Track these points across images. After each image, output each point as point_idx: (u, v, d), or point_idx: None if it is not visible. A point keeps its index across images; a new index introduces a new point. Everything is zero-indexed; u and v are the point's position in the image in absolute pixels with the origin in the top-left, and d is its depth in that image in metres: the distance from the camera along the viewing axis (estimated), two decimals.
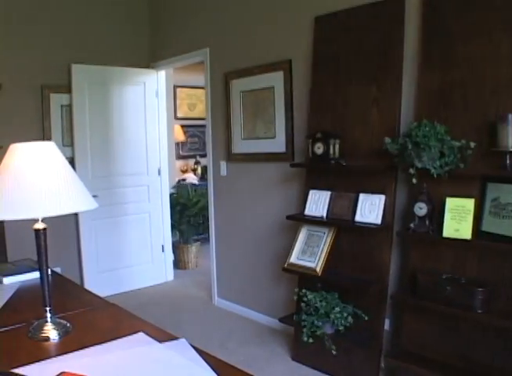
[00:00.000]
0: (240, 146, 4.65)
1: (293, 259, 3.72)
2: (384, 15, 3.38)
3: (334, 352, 3.38)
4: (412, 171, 2.98)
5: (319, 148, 3.55)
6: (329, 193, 3.61)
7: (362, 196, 3.41)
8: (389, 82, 3.35)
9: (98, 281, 5.26)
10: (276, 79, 4.22)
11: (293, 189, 4.14)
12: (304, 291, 3.53)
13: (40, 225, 1.73)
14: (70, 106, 5.30)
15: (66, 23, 5.27)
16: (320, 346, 3.46)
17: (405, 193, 3.32)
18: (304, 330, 3.45)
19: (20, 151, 1.68)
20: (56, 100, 5.27)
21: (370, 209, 3.34)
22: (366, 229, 3.35)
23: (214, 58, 4.92)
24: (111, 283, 5.41)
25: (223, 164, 4.88)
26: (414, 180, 3.00)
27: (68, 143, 5.22)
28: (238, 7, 4.59)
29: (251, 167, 4.57)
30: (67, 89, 5.28)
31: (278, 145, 4.25)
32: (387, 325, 3.41)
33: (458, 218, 2.91)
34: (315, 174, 3.80)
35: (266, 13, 4.30)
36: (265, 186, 4.43)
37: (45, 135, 5.13)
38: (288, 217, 3.84)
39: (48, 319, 1.75)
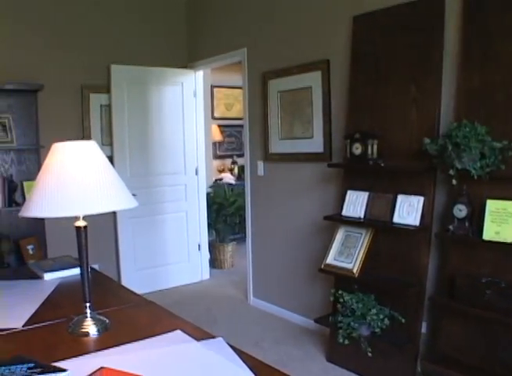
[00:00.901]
0: (278, 146, 4.65)
1: (329, 260, 3.70)
2: (423, 14, 3.33)
3: (370, 355, 3.35)
4: (452, 172, 2.93)
5: (357, 148, 3.52)
6: (367, 193, 3.58)
7: (400, 197, 3.37)
8: (429, 82, 3.30)
9: (135, 279, 5.32)
10: (314, 79, 4.20)
11: (330, 190, 4.12)
12: (340, 292, 3.51)
13: (81, 223, 1.76)
14: (109, 105, 5.39)
15: (105, 24, 5.36)
16: (356, 348, 3.43)
17: (445, 195, 3.27)
18: (340, 331, 3.43)
19: (63, 150, 1.72)
20: (96, 100, 5.35)
21: (408, 210, 3.30)
22: (404, 230, 3.31)
23: (251, 58, 4.93)
24: (148, 281, 5.47)
25: (260, 164, 4.89)
26: (454, 181, 2.96)
27: (107, 143, 5.30)
28: (276, 7, 4.58)
29: (289, 167, 4.56)
30: (106, 89, 5.37)
31: (315, 145, 4.23)
32: (424, 328, 3.36)
33: (499, 221, 2.85)
34: (353, 174, 3.77)
35: (304, 13, 4.28)
36: (302, 187, 4.42)
37: (84, 135, 5.22)
38: (325, 217, 3.82)
39: (88, 315, 1.78)
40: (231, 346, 1.57)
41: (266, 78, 4.70)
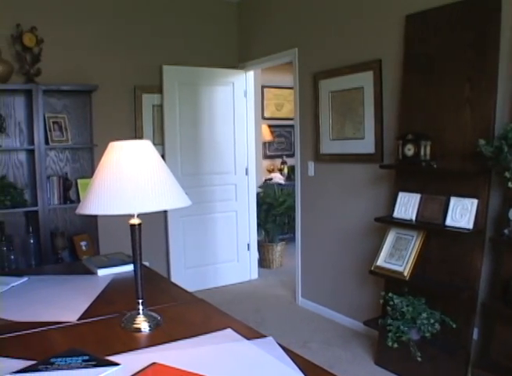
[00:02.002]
0: (328, 146, 4.63)
1: (380, 262, 3.66)
2: (478, 12, 3.25)
3: (419, 359, 3.29)
4: (507, 174, 2.85)
5: (410, 149, 3.47)
6: (418, 195, 3.53)
7: (453, 199, 3.30)
8: (483, 82, 3.22)
9: (184, 277, 5.39)
10: (366, 79, 4.17)
11: (381, 191, 4.08)
12: (390, 294, 3.46)
13: (135, 221, 1.79)
14: (161, 105, 5.47)
15: (158, 25, 5.45)
16: (405, 352, 3.38)
17: (500, 197, 3.18)
18: (389, 334, 3.39)
19: (119, 149, 1.75)
20: (148, 100, 5.44)
21: (462, 213, 3.23)
22: (457, 233, 3.24)
23: (302, 58, 4.92)
24: (197, 279, 5.53)
25: (311, 165, 4.87)
26: (510, 184, 2.88)
27: (158, 142, 5.38)
28: (327, 6, 4.56)
29: (339, 167, 4.54)
30: (158, 90, 5.45)
31: (367, 146, 4.19)
32: (475, 334, 3.29)
33: None
34: (405, 176, 3.72)
35: (355, 12, 4.25)
36: (353, 187, 4.39)
37: (137, 134, 5.32)
38: (376, 219, 3.79)
39: (141, 312, 1.81)
40: (281, 346, 1.57)
41: (317, 78, 4.69)
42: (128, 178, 1.68)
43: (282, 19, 5.19)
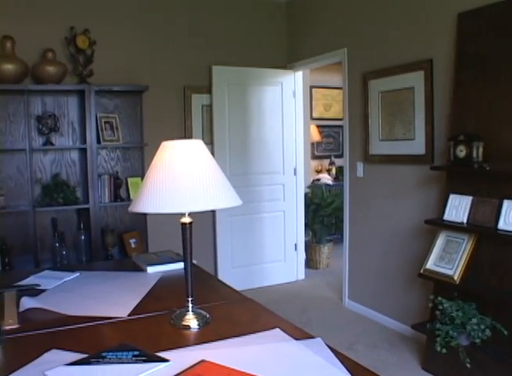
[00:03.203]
0: (378, 147, 4.58)
1: (429, 265, 3.60)
2: None
3: (468, 366, 3.21)
4: None
5: (462, 151, 3.40)
6: (470, 198, 3.45)
7: (506, 202, 3.22)
8: None
9: (231, 276, 5.42)
10: (416, 79, 4.10)
11: (431, 193, 4.01)
12: (439, 298, 3.40)
13: (186, 220, 1.81)
14: (210, 105, 5.52)
15: (207, 25, 5.50)
16: (453, 358, 3.31)
17: None
18: (438, 339, 3.32)
19: (171, 148, 1.77)
20: (197, 100, 5.50)
21: None
22: (510, 237, 3.15)
23: (351, 58, 4.89)
24: (244, 278, 5.56)
25: (360, 165, 4.83)
26: None
27: (208, 142, 5.42)
28: (376, 6, 4.51)
29: (388, 168, 4.48)
30: (208, 90, 5.50)
31: (417, 147, 4.13)
32: None
33: None
34: (456, 178, 3.64)
35: (406, 11, 4.18)
36: (402, 189, 4.33)
37: (186, 134, 5.38)
38: (426, 221, 3.73)
39: (190, 309, 1.83)
40: (329, 347, 1.56)
41: (367, 79, 4.65)
42: (180, 178, 1.70)
43: (331, 19, 5.16)
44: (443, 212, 3.61)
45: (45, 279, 2.49)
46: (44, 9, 4.78)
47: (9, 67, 4.42)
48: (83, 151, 4.81)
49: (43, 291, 2.29)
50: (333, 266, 6.57)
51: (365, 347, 4.11)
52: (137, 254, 3.14)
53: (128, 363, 1.45)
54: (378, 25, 4.50)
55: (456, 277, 3.37)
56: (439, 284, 3.58)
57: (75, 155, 4.94)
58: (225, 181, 1.80)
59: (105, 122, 4.85)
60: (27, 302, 2.04)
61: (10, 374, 1.42)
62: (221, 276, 5.41)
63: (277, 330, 1.71)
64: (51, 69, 4.57)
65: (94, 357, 1.49)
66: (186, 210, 1.75)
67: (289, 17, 5.93)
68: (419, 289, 4.12)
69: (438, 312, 3.38)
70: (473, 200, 3.44)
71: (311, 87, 8.26)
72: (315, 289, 5.79)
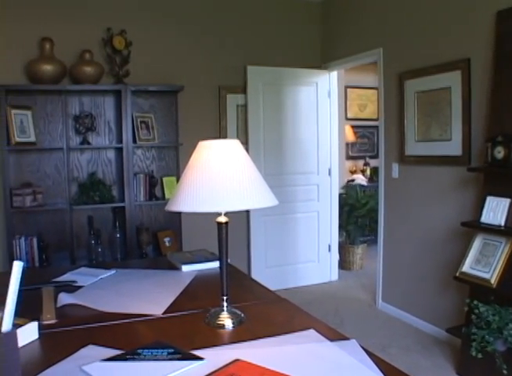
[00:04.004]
0: (413, 147, 4.53)
1: (465, 268, 3.55)
2: None
3: (505, 372, 3.13)
4: None
5: (500, 152, 3.34)
6: (508, 200, 3.39)
7: None
8: None
9: (264, 276, 5.41)
10: (453, 79, 4.04)
11: (468, 195, 3.95)
12: (475, 302, 3.34)
13: (223, 219, 1.82)
14: (245, 105, 5.54)
15: (242, 26, 5.53)
16: (489, 363, 3.24)
17: None
18: (473, 344, 3.26)
19: (208, 148, 1.78)
20: (232, 100, 5.52)
21: None
22: None
23: (387, 58, 4.84)
24: (277, 278, 5.55)
25: (395, 166, 4.79)
26: None
27: (242, 141, 5.34)
28: (412, 5, 4.46)
29: (424, 170, 4.43)
30: (243, 90, 5.52)
31: (453, 148, 4.07)
32: None
33: None
34: (494, 179, 3.58)
35: (443, 10, 4.12)
36: (438, 190, 4.27)
37: (221, 134, 5.41)
38: (463, 224, 3.67)
39: (225, 308, 1.83)
40: (364, 349, 1.55)
41: (403, 79, 4.60)
42: (217, 177, 1.70)
43: (366, 18, 5.13)
44: (480, 215, 3.55)
45: (82, 275, 2.53)
46: (81, 10, 4.86)
47: (47, 68, 4.51)
48: (119, 150, 4.88)
49: (79, 287, 2.33)
50: (366, 268, 6.52)
51: (399, 350, 4.07)
52: (172, 253, 3.17)
53: (162, 360, 1.46)
54: (415, 24, 4.45)
55: (492, 281, 3.31)
56: (475, 288, 3.53)
57: (111, 154, 5.01)
58: (261, 181, 1.80)
59: (141, 122, 4.90)
60: (64, 298, 2.07)
61: (48, 367, 1.45)
62: (255, 276, 5.41)
63: (312, 330, 1.70)
64: (88, 69, 4.65)
65: (129, 354, 1.51)
66: (223, 209, 1.76)
67: (324, 17, 5.90)
68: (454, 292, 4.06)
69: (473, 317, 3.32)
70: (511, 203, 3.37)
71: (346, 87, 8.22)
72: (348, 290, 5.76)
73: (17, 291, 1.44)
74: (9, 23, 4.65)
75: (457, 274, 3.60)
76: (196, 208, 1.69)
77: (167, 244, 4.99)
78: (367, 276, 6.11)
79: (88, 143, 4.81)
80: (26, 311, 1.65)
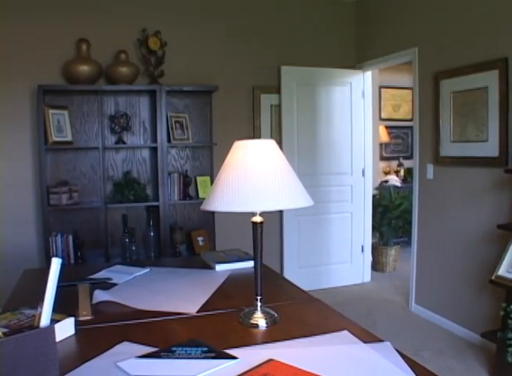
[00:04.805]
0: (449, 148, 4.47)
1: (501, 272, 3.49)
2: None
3: None
4: None
5: None
6: None
7: None
8: None
9: (297, 276, 5.38)
10: (490, 79, 3.97)
11: (504, 197, 3.88)
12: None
13: (258, 219, 1.83)
14: (278, 105, 5.54)
15: (275, 26, 5.52)
16: None
17: None
18: (509, 349, 3.20)
19: (244, 148, 1.79)
20: (266, 100, 5.53)
21: None
22: None
23: (422, 57, 4.79)
24: (309, 279, 5.53)
25: (430, 167, 4.73)
26: None
27: (276, 141, 5.43)
28: (448, 3, 4.40)
29: (460, 171, 4.36)
30: (276, 90, 5.52)
31: (490, 149, 4.00)
32: None
33: None
34: None
35: (479, 9, 4.05)
36: (474, 192, 4.20)
37: (255, 134, 5.42)
38: (499, 226, 3.61)
39: (259, 308, 1.84)
40: (398, 352, 1.54)
41: (438, 78, 4.54)
42: (253, 177, 1.71)
43: (401, 17, 5.07)
44: None
45: (116, 273, 2.57)
46: (117, 12, 4.92)
47: (84, 68, 4.58)
48: (154, 150, 4.92)
49: (114, 284, 2.37)
50: (399, 269, 6.46)
51: (432, 353, 4.02)
52: (205, 252, 3.19)
53: (197, 358, 1.47)
54: (451, 23, 4.39)
55: None
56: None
57: (146, 153, 5.06)
58: (297, 181, 1.80)
59: (175, 121, 4.94)
60: (99, 295, 2.10)
61: (84, 362, 1.48)
62: (287, 276, 5.36)
63: (345, 332, 1.70)
64: (124, 70, 4.70)
65: (164, 351, 1.52)
66: (258, 209, 1.76)
67: (358, 17, 5.87)
68: (489, 296, 4.00)
69: (510, 321, 3.26)
70: None
71: (380, 87, 8.16)
72: (380, 292, 5.71)
73: (55, 288, 1.47)
74: (46, 24, 4.74)
75: (493, 278, 3.54)
76: (231, 208, 1.70)
77: (200, 243, 5.02)
78: (400, 278, 6.05)
79: (123, 143, 4.87)
80: (62, 307, 1.68)
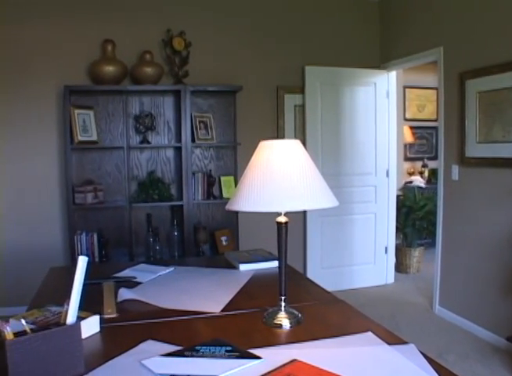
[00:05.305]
0: (475, 149, 4.41)
1: None
2: None
3: None
4: None
5: None
6: None
7: None
8: None
9: (320, 276, 5.37)
10: None
11: None
12: None
13: (283, 219, 1.82)
14: (302, 106, 5.53)
15: (299, 26, 5.52)
16: None
17: None
18: None
19: (269, 148, 1.79)
20: (290, 100, 5.53)
21: None
22: None
23: (448, 57, 4.73)
24: (332, 279, 5.51)
25: (455, 168, 4.67)
26: None
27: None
28: (474, 2, 4.35)
29: (486, 172, 4.31)
30: (300, 90, 5.52)
31: None
32: None
33: None
34: None
35: (505, 7, 3.99)
36: (501, 193, 4.14)
37: (279, 134, 5.42)
38: None
39: (282, 308, 1.84)
40: (423, 354, 1.52)
41: (464, 78, 4.49)
42: (279, 177, 1.71)
43: (426, 17, 5.03)
44: None
45: (141, 272, 2.59)
46: (142, 13, 4.97)
47: (109, 69, 4.62)
48: (178, 149, 4.95)
49: (139, 283, 2.38)
50: (423, 271, 6.41)
51: (456, 357, 3.98)
52: (229, 252, 3.19)
53: (220, 357, 1.48)
54: (477, 22, 4.33)
55: None
56: None
57: (170, 153, 5.10)
58: (322, 181, 1.80)
59: (199, 121, 4.96)
60: (124, 293, 2.12)
61: (109, 360, 1.49)
62: (310, 277, 5.35)
63: (369, 333, 1.69)
64: (148, 70, 4.74)
65: (188, 350, 1.53)
66: (283, 209, 1.76)
67: (382, 16, 5.83)
68: None
69: None
70: None
71: (405, 87, 8.11)
72: (404, 294, 5.67)
73: (81, 285, 1.49)
74: (72, 26, 4.80)
75: None
76: (257, 208, 1.71)
77: (223, 242, 5.03)
78: (424, 280, 6.00)
79: (148, 142, 4.91)
80: (88, 305, 1.70)
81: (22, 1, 4.70)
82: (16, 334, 1.34)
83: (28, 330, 1.38)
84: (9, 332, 1.32)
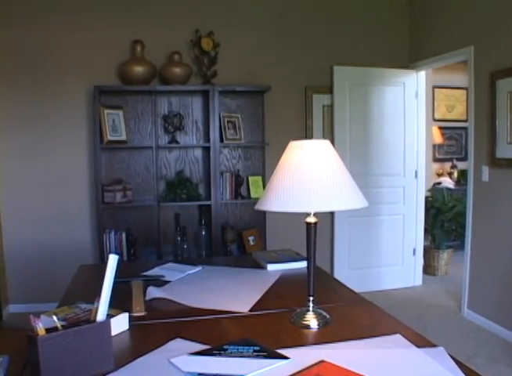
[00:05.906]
0: (505, 150, 4.35)
1: None
2: None
3: None
4: None
5: None
6: None
7: None
8: None
9: (347, 277, 5.34)
10: None
11: None
12: None
13: (312, 219, 1.82)
14: (330, 106, 5.51)
15: (328, 26, 5.50)
16: None
17: None
18: None
19: (299, 148, 1.79)
20: (318, 100, 5.51)
21: None
22: None
23: (478, 56, 4.67)
24: (359, 280, 5.47)
25: (485, 170, 4.61)
26: None
27: None
28: (505, 1, 4.28)
29: None
30: (329, 90, 5.50)
31: None
32: None
33: None
34: None
35: None
36: None
37: (307, 134, 5.41)
38: None
39: (311, 309, 1.84)
40: (453, 358, 1.51)
41: (495, 78, 4.42)
42: (308, 177, 1.71)
43: (456, 15, 4.97)
44: None
45: (169, 271, 2.61)
46: (171, 14, 5.01)
47: (138, 69, 4.67)
48: (206, 149, 4.98)
49: (167, 282, 2.41)
50: (451, 274, 6.33)
51: (485, 360, 3.92)
52: (257, 252, 3.20)
53: (248, 357, 1.48)
54: (507, 21, 4.26)
55: None
56: None
57: (198, 153, 5.12)
58: (352, 182, 1.80)
59: (228, 121, 4.98)
60: (152, 292, 2.14)
61: (138, 357, 1.51)
62: (337, 277, 5.32)
63: (398, 335, 1.68)
64: (177, 70, 4.77)
65: (216, 349, 1.54)
66: (313, 210, 1.76)
67: (411, 15, 5.78)
68: None
69: None
70: None
71: (434, 87, 8.03)
72: (432, 296, 5.61)
73: (111, 283, 1.51)
74: (102, 27, 4.87)
75: None
76: (286, 208, 1.71)
77: (251, 242, 5.04)
78: (452, 283, 5.94)
79: (177, 142, 4.94)
80: (117, 302, 1.72)
81: (59, 6, 4.80)
82: (48, 330, 1.36)
83: (59, 326, 1.40)
84: (41, 328, 1.34)
